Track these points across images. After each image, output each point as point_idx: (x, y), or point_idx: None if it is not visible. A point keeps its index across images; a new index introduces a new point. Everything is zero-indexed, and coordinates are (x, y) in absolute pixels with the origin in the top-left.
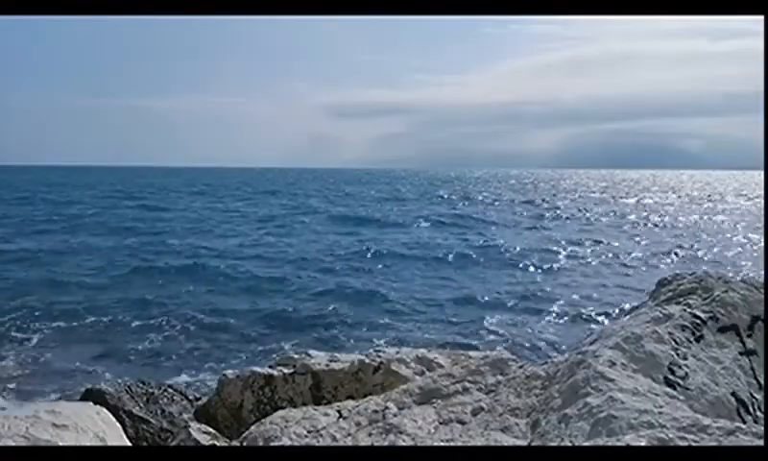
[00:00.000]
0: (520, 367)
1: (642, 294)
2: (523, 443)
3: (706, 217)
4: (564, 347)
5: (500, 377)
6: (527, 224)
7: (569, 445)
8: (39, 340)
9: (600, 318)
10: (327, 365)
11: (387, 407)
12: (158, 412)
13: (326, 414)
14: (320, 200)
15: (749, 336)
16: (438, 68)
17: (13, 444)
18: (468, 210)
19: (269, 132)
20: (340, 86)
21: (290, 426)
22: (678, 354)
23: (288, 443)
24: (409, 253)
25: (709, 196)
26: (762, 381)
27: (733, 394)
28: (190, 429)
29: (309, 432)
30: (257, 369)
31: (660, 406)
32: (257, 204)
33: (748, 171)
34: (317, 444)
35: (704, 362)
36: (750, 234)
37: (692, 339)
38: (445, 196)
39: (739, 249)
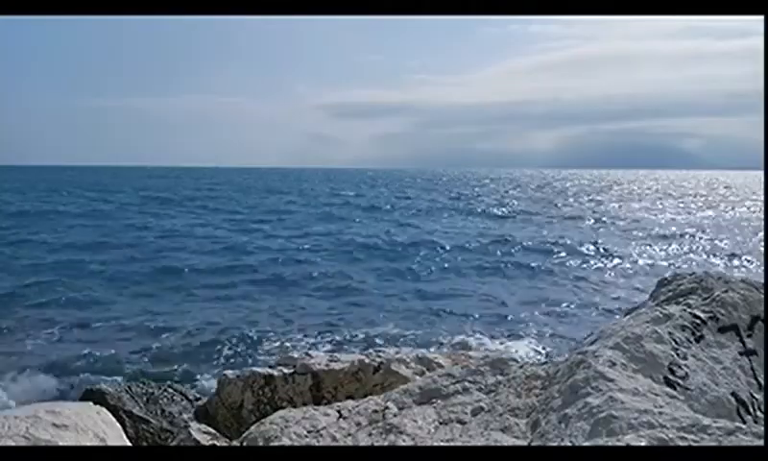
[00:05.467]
0: (520, 367)
1: None
2: (523, 443)
3: None
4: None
5: (500, 377)
6: None
7: (569, 445)
8: (39, 340)
9: None
10: (327, 365)
11: (387, 407)
12: (158, 412)
13: (326, 414)
14: None
15: (749, 336)
16: (438, 68)
17: (13, 444)
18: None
19: (269, 132)
20: (340, 87)
21: (290, 426)
22: (678, 354)
23: (288, 443)
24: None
25: None
26: (762, 381)
27: (733, 394)
28: (190, 429)
29: (309, 432)
30: (257, 369)
31: (661, 406)
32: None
33: (748, 171)
34: (317, 444)
35: (704, 362)
36: None
37: (692, 339)
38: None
39: None
